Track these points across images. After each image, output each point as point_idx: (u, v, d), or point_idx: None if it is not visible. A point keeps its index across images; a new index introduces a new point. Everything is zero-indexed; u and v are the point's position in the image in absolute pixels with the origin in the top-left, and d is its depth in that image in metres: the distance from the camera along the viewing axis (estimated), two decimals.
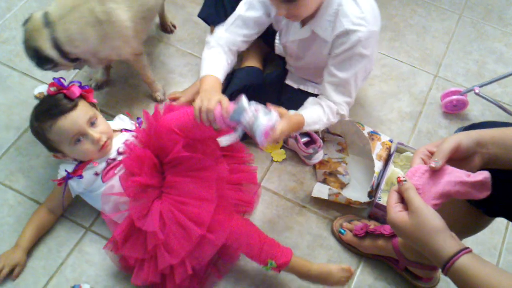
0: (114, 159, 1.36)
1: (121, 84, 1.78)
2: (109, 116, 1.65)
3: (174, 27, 1.95)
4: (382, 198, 1.45)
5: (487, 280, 0.70)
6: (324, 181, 1.58)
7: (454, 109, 1.78)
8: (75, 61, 1.44)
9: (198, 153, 1.26)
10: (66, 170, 1.35)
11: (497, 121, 1.02)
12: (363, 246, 1.40)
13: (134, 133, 1.40)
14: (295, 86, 1.63)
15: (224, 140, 1.13)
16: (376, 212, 1.47)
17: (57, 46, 1.34)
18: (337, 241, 1.47)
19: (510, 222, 1.50)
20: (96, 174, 1.34)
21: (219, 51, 1.36)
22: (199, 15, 1.71)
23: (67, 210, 1.46)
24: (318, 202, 1.54)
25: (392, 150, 1.59)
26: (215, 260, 1.34)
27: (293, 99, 1.49)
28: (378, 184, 1.50)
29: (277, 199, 1.55)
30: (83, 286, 1.33)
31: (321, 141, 1.58)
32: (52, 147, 1.34)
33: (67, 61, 1.41)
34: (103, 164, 1.35)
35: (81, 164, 1.35)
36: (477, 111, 1.81)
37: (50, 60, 1.36)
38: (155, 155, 1.30)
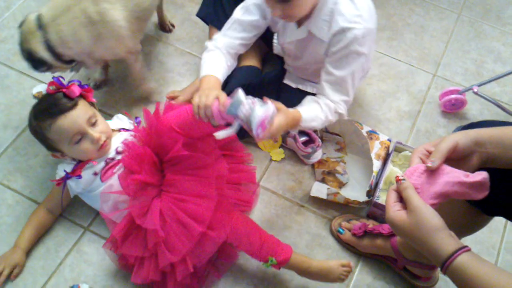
0: (112, 159, 1.36)
1: (119, 84, 1.78)
2: (108, 116, 1.65)
3: (173, 26, 1.95)
4: (381, 197, 1.45)
5: (485, 279, 0.70)
6: (322, 181, 1.58)
7: (452, 108, 1.78)
8: (70, 63, 1.44)
9: (198, 152, 1.26)
10: (64, 170, 1.34)
11: (495, 120, 1.03)
12: (361, 245, 1.40)
13: (132, 133, 1.40)
14: (294, 85, 1.63)
15: (221, 134, 1.11)
16: (374, 211, 1.47)
17: (50, 48, 1.34)
18: (335, 241, 1.47)
19: (509, 221, 1.50)
20: (95, 173, 1.34)
21: (218, 53, 1.37)
22: (198, 14, 1.71)
23: (65, 209, 1.46)
24: (317, 202, 1.54)
25: (390, 149, 1.59)
26: (214, 259, 1.34)
27: (292, 99, 1.48)
28: (377, 183, 1.50)
29: (275, 199, 1.55)
30: (81, 286, 1.32)
31: (320, 140, 1.58)
32: (51, 146, 1.33)
33: (61, 63, 1.40)
34: (102, 164, 1.35)
35: (80, 163, 1.35)
36: (475, 110, 1.81)
37: (44, 62, 1.36)
38: (155, 154, 1.29)
